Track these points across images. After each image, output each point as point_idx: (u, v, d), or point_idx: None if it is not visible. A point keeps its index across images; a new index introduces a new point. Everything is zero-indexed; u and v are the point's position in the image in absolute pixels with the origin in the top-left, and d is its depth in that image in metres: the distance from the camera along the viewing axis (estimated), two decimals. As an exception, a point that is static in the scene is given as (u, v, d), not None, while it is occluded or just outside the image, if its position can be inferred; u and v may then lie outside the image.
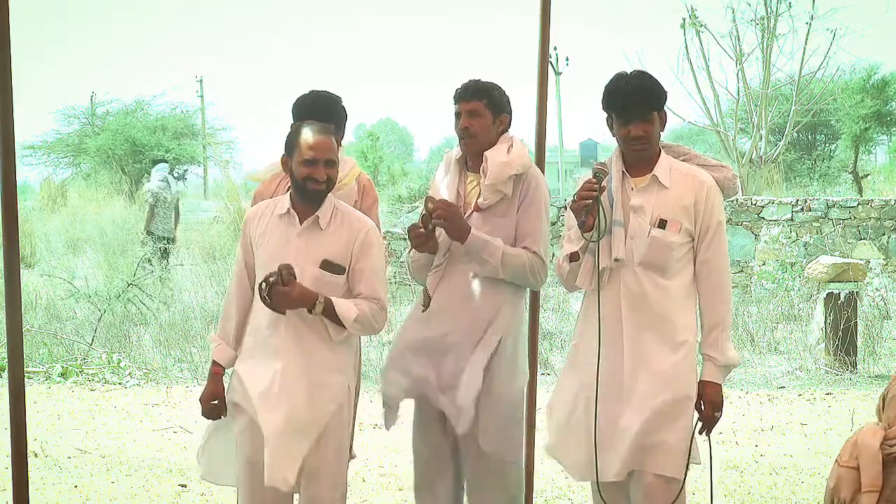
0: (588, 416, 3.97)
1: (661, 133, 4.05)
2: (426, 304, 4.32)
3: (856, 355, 9.95)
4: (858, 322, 10.20)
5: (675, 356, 3.93)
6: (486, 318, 4.27)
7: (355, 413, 4.65)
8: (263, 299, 3.85)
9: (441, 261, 4.31)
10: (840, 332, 9.90)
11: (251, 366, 4.00)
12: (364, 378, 9.43)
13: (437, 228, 4.23)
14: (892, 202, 15.78)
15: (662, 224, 3.95)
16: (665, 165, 4.01)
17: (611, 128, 4.04)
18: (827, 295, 10.10)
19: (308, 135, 3.96)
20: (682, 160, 4.09)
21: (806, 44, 19.97)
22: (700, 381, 3.97)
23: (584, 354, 4.04)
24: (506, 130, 4.37)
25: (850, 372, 9.73)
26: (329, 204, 4.00)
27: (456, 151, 4.42)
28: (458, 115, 4.32)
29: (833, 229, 15.49)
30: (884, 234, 15.49)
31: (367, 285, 3.99)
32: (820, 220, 15.60)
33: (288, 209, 4.00)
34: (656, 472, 3.93)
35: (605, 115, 4.05)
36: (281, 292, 3.82)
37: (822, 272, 10.19)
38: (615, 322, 3.97)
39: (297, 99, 4.58)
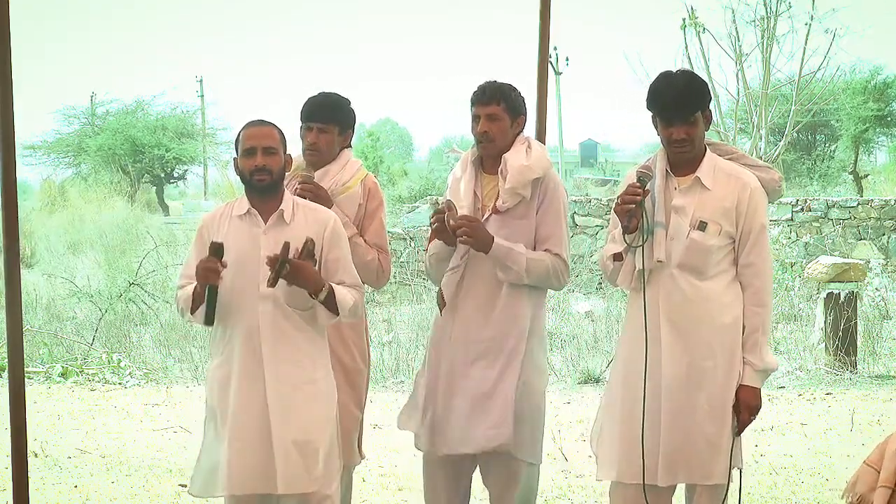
0: (635, 419, 3.95)
1: (706, 131, 3.99)
2: (442, 307, 4.30)
3: (856, 355, 9.95)
4: (858, 322, 10.21)
5: (713, 360, 3.91)
6: (512, 327, 4.25)
7: (363, 415, 4.64)
8: (278, 267, 3.79)
9: (458, 262, 4.28)
10: (840, 332, 9.89)
11: (230, 372, 3.95)
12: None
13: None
14: (892, 202, 15.79)
15: (702, 226, 3.90)
16: (709, 166, 3.96)
17: (655, 126, 3.99)
18: (827, 295, 10.10)
19: (246, 128, 4.00)
20: (728, 159, 4.04)
21: (806, 44, 19.94)
22: (738, 384, 3.94)
23: (630, 357, 4.02)
24: (521, 131, 4.35)
25: (850, 372, 9.73)
26: (288, 198, 4.02)
27: (472, 152, 4.37)
28: (476, 117, 4.27)
29: (833, 229, 15.50)
30: (884, 234, 15.50)
31: (348, 274, 4.03)
32: (820, 220, 15.60)
33: (248, 209, 3.99)
34: (697, 481, 3.96)
35: (649, 113, 3.99)
36: (305, 264, 3.82)
37: (822, 272, 10.19)
38: (654, 324, 3.95)
39: (307, 100, 4.57)
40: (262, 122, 4.03)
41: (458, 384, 4.27)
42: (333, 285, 3.93)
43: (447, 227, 4.19)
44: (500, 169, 4.24)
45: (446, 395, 4.29)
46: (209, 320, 3.90)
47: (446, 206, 4.23)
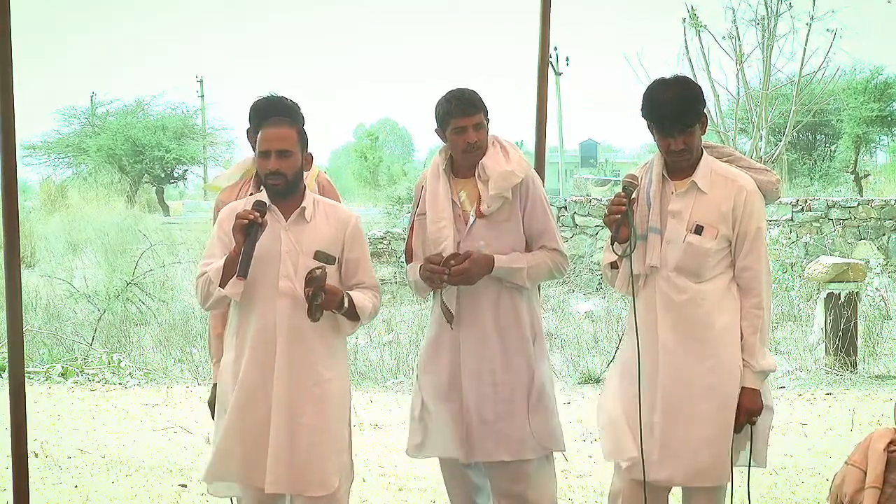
0: (635, 419, 3.97)
1: (703, 134, 3.98)
2: (451, 321, 4.29)
3: (856, 355, 9.96)
4: (858, 322, 10.21)
5: (711, 362, 3.91)
6: (517, 328, 4.29)
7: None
8: (313, 315, 3.83)
9: None
10: (840, 332, 9.90)
11: (247, 369, 3.92)
12: (363, 378, 9.51)
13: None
14: (892, 202, 15.80)
15: (699, 230, 3.91)
16: (705, 170, 3.96)
17: (652, 132, 3.98)
18: (827, 295, 10.11)
19: (264, 127, 3.98)
20: (725, 161, 4.05)
21: (806, 44, 19.94)
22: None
23: (628, 361, 4.03)
24: None
25: (850, 372, 9.73)
26: (310, 196, 4.02)
27: (441, 160, 4.35)
28: (460, 129, 4.21)
29: (833, 229, 15.50)
30: (884, 234, 15.50)
31: (366, 274, 4.05)
32: (820, 221, 15.61)
33: (269, 205, 3.97)
34: (696, 483, 3.97)
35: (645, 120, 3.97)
36: (328, 301, 3.83)
37: (822, 272, 10.19)
38: (651, 327, 3.97)
39: (254, 103, 4.54)
40: (280, 122, 4.01)
41: (473, 392, 4.27)
42: (351, 293, 3.93)
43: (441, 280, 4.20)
44: (477, 173, 4.25)
45: (464, 404, 4.28)
46: (243, 271, 3.80)
47: (439, 259, 4.20)
